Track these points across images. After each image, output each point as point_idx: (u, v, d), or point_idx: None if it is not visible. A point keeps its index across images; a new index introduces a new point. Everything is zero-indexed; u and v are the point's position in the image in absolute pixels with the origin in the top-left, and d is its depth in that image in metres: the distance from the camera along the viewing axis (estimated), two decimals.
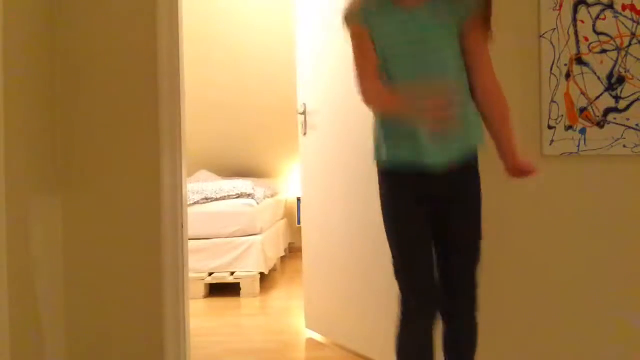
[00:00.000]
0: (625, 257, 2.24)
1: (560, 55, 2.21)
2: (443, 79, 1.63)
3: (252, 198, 4.32)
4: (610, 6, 2.20)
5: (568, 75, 2.22)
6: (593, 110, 2.22)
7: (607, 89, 2.22)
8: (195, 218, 3.82)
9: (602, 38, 2.21)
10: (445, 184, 1.66)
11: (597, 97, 2.22)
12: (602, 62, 2.21)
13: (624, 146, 2.21)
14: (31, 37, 2.10)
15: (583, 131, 2.22)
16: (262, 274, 4.11)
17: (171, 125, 2.29)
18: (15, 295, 1.89)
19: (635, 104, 2.21)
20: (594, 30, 2.21)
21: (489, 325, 2.22)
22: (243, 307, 3.79)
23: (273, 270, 4.65)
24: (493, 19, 1.68)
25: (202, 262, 3.95)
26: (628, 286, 2.24)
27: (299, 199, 4.78)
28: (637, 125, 2.21)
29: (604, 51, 2.21)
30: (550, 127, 2.22)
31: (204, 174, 5.30)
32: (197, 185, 4.39)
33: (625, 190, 2.24)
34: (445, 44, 1.65)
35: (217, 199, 4.24)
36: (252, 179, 5.13)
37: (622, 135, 2.21)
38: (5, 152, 1.84)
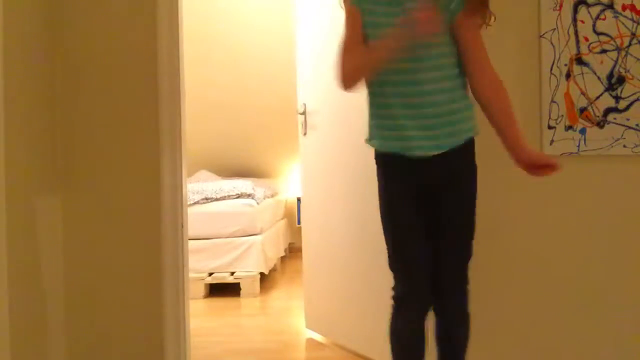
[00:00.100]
0: (625, 257, 2.24)
1: (560, 55, 2.21)
2: (432, 72, 1.63)
3: (252, 198, 4.32)
4: (610, 6, 2.20)
5: (568, 75, 2.22)
6: (593, 110, 2.22)
7: (607, 89, 2.22)
8: (195, 218, 3.81)
9: (602, 38, 2.21)
10: (436, 174, 1.66)
11: (597, 97, 2.22)
12: (602, 62, 2.21)
13: (624, 146, 2.21)
14: (31, 37, 2.10)
15: (583, 131, 2.22)
16: (262, 274, 4.11)
17: (171, 125, 2.29)
18: (15, 295, 1.89)
19: (635, 104, 2.21)
20: (594, 30, 2.21)
21: (489, 325, 2.23)
22: (243, 307, 3.79)
23: (273, 270, 4.65)
24: (489, 10, 1.66)
25: (202, 262, 3.95)
26: (628, 286, 2.25)
27: (299, 199, 4.78)
28: (637, 125, 2.21)
29: (604, 51, 2.21)
30: (550, 127, 2.22)
31: (204, 174, 5.30)
32: (197, 185, 4.39)
33: (625, 190, 2.24)
34: (441, 35, 1.64)
35: (217, 199, 4.25)
36: (252, 179, 5.13)
37: (622, 135, 2.21)
38: (5, 152, 1.84)
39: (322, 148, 2.95)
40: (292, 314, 3.57)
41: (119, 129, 2.27)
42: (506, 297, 2.26)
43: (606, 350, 2.24)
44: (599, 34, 2.21)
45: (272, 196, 5.00)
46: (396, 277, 1.73)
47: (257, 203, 4.30)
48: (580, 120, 2.22)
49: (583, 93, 2.22)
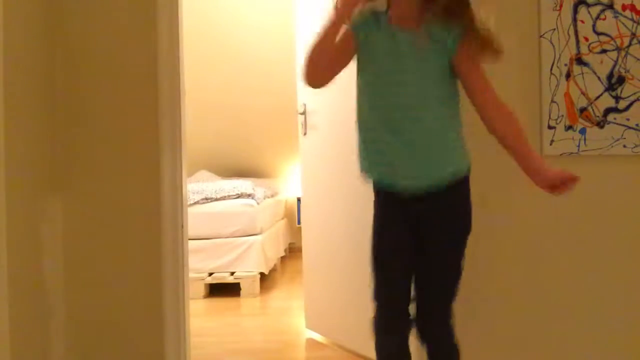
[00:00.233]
0: (625, 257, 2.24)
1: (560, 55, 2.21)
2: (425, 106, 1.61)
3: (252, 198, 4.32)
4: (610, 6, 2.20)
5: (568, 75, 2.22)
6: (593, 110, 2.22)
7: (607, 89, 2.22)
8: (195, 218, 3.81)
9: (602, 38, 2.21)
10: (427, 208, 1.64)
11: (597, 97, 2.22)
12: (602, 62, 2.21)
13: (624, 146, 2.21)
14: (31, 36, 2.10)
15: (583, 131, 2.22)
16: (262, 274, 4.11)
17: (171, 125, 2.29)
18: (15, 295, 1.89)
19: (635, 104, 2.21)
20: (594, 30, 2.21)
21: (488, 325, 2.23)
22: (243, 307, 3.80)
23: (273, 270, 4.65)
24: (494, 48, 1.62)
25: (202, 262, 3.95)
26: (628, 286, 2.25)
27: (299, 199, 4.78)
28: (637, 125, 2.21)
29: (604, 51, 2.21)
30: (550, 127, 2.22)
31: (204, 174, 5.30)
32: (197, 185, 4.39)
33: (625, 190, 2.24)
34: (431, 73, 1.62)
35: (217, 199, 4.25)
36: (252, 179, 5.13)
37: (622, 135, 2.21)
38: (5, 152, 1.84)
39: (322, 148, 2.95)
40: (292, 314, 3.57)
41: (119, 129, 2.27)
42: (506, 296, 2.26)
43: (606, 351, 2.24)
44: (599, 34, 2.21)
45: (272, 196, 5.00)
46: (377, 306, 1.75)
47: (257, 203, 4.30)
48: (580, 120, 2.22)
49: (583, 93, 2.22)
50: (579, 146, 2.22)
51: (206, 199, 4.22)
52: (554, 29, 2.21)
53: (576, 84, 2.22)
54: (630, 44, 2.21)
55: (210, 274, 3.98)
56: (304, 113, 3.05)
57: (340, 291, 2.80)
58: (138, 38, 2.26)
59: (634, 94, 2.21)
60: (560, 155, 2.22)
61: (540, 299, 2.25)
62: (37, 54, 2.14)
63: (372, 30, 1.65)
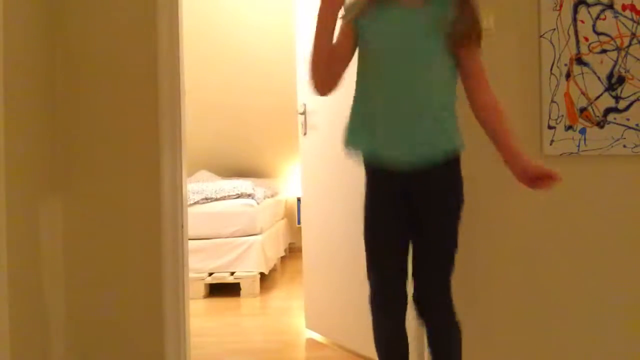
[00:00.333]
0: (625, 257, 2.24)
1: (560, 55, 2.21)
2: (425, 82, 1.64)
3: (252, 198, 4.32)
4: (610, 6, 2.20)
5: (568, 75, 2.22)
6: (593, 110, 2.22)
7: (607, 89, 2.22)
8: (195, 218, 3.81)
9: (602, 38, 2.21)
10: (420, 183, 1.67)
11: (597, 97, 2.22)
12: (602, 62, 2.21)
13: (624, 146, 2.21)
14: (31, 37, 2.10)
15: (583, 131, 2.22)
16: (262, 274, 4.11)
17: (171, 125, 2.29)
18: (15, 295, 1.89)
19: (635, 104, 2.21)
20: (594, 30, 2.21)
21: (488, 325, 2.23)
22: (243, 307, 3.79)
23: (273, 270, 4.65)
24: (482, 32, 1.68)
25: (202, 262, 3.95)
26: (628, 286, 2.24)
27: (299, 199, 4.78)
28: (637, 125, 2.21)
29: (604, 51, 2.21)
30: (550, 127, 2.22)
31: (204, 174, 5.30)
32: (197, 185, 4.39)
33: (625, 190, 2.24)
34: (433, 50, 1.65)
35: (217, 199, 4.25)
36: (252, 179, 5.13)
37: (622, 135, 2.21)
38: (6, 153, 1.84)
39: (322, 148, 2.95)
40: (292, 314, 3.57)
41: (119, 129, 2.27)
42: (506, 297, 2.26)
43: (605, 351, 2.24)
44: (599, 34, 2.21)
45: (272, 196, 5.00)
46: (371, 286, 1.76)
47: (257, 203, 4.30)
48: (580, 120, 2.22)
49: (583, 93, 2.22)
50: (579, 146, 2.22)
51: (206, 199, 4.22)
52: (554, 29, 2.21)
53: (576, 84, 2.22)
54: (630, 44, 2.21)
55: (210, 274, 3.98)
56: (304, 113, 3.05)
57: (340, 291, 2.80)
58: (138, 38, 2.26)
59: (634, 94, 2.21)
60: (560, 155, 2.22)
61: (540, 299, 2.25)
62: (37, 54, 2.14)
63: (373, 11, 1.67)
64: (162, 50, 2.27)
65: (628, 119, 2.21)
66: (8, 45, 1.87)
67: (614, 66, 2.21)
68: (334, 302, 2.86)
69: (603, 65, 2.21)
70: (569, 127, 2.22)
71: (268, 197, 4.76)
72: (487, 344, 2.23)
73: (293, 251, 5.42)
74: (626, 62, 2.21)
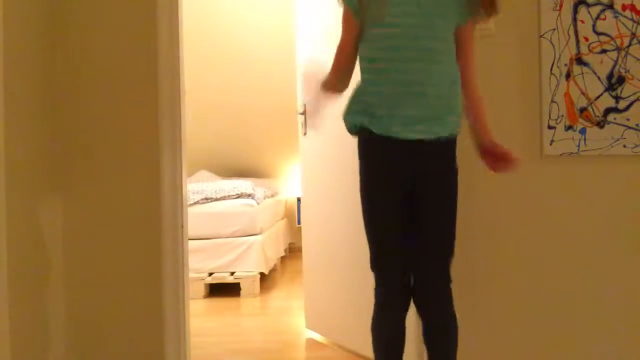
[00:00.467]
0: (625, 257, 2.24)
1: (560, 55, 2.21)
2: (432, 64, 1.67)
3: (252, 198, 4.32)
4: (610, 6, 2.20)
5: (568, 75, 2.22)
6: (593, 110, 2.22)
7: (607, 89, 2.22)
8: (195, 218, 3.82)
9: (602, 38, 2.21)
10: (418, 166, 1.68)
11: (597, 97, 2.22)
12: (602, 62, 2.21)
13: (624, 146, 2.21)
14: (31, 37, 2.10)
15: (583, 131, 2.22)
16: (262, 274, 4.11)
17: (171, 125, 2.29)
18: (15, 295, 1.89)
19: (635, 104, 2.21)
20: (594, 30, 2.21)
21: (488, 325, 2.23)
22: (243, 307, 3.80)
23: (273, 270, 4.65)
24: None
25: (202, 262, 3.95)
26: (629, 286, 2.24)
27: (299, 199, 4.78)
28: (637, 125, 2.21)
29: (604, 51, 2.21)
30: (550, 127, 2.22)
31: (204, 174, 5.30)
32: (197, 185, 4.40)
33: (625, 190, 2.24)
34: (442, 35, 1.69)
35: (217, 199, 4.25)
36: (252, 179, 5.13)
37: (622, 135, 2.21)
38: (5, 153, 1.84)
39: (322, 148, 2.95)
40: (292, 314, 3.57)
41: (119, 129, 2.27)
42: (506, 297, 2.26)
43: (605, 351, 2.24)
44: (599, 34, 2.21)
45: (272, 196, 5.00)
46: (377, 279, 1.77)
47: (257, 203, 4.30)
48: (580, 120, 2.22)
49: (583, 93, 2.22)
50: (579, 146, 2.22)
51: (206, 199, 4.22)
52: (554, 29, 2.21)
53: (576, 84, 2.22)
54: (630, 44, 2.21)
55: (210, 274, 3.99)
56: (304, 113, 3.05)
57: (340, 291, 2.80)
58: (138, 38, 2.26)
59: (634, 94, 2.21)
60: (560, 155, 2.22)
61: (540, 299, 2.25)
62: (37, 54, 2.14)
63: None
64: (162, 50, 2.26)
65: (628, 119, 2.21)
66: (8, 45, 1.87)
67: (614, 66, 2.21)
68: (334, 302, 2.86)
69: (603, 65, 2.21)
70: (569, 127, 2.22)
71: (268, 197, 4.76)
72: (487, 344, 2.23)
73: (293, 251, 5.42)
74: (626, 62, 2.21)
